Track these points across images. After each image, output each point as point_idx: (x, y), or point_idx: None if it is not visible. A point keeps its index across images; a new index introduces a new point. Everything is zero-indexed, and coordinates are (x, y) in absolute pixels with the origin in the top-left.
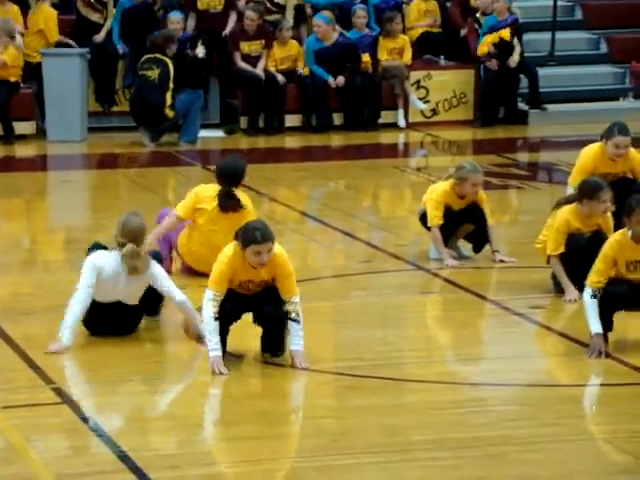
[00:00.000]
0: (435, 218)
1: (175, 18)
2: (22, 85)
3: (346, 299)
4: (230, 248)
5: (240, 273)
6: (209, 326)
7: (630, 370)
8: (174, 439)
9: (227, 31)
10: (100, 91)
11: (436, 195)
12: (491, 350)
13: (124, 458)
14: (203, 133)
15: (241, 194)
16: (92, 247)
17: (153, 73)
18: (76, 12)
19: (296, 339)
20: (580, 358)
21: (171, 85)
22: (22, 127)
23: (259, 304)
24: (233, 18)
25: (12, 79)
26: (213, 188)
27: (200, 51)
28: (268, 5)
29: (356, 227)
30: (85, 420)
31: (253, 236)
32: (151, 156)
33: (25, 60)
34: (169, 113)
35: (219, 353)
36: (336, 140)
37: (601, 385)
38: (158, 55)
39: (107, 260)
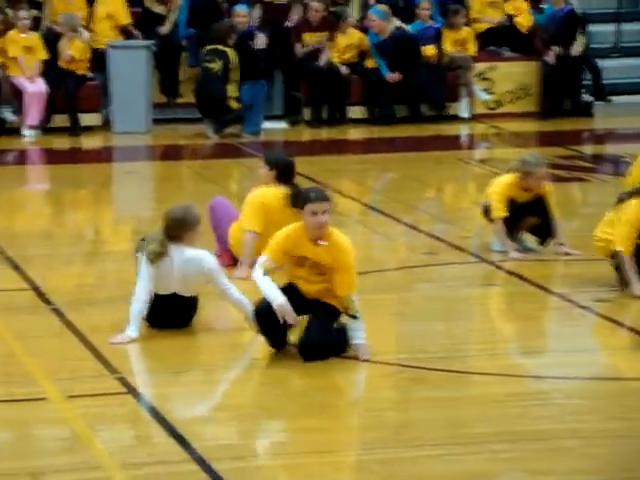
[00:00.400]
0: (499, 211)
1: (241, 11)
2: (89, 76)
3: (409, 291)
4: (294, 224)
5: (299, 247)
6: (262, 283)
7: None
8: (237, 429)
9: (290, 22)
10: (165, 83)
11: (500, 188)
12: (555, 343)
13: (188, 448)
14: (267, 125)
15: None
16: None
17: (216, 65)
18: (141, 4)
19: (358, 333)
20: None
21: (234, 77)
22: (88, 119)
23: (309, 322)
24: (297, 9)
25: (79, 72)
26: (272, 191)
27: (260, 42)
28: None
29: (419, 219)
30: (149, 410)
31: (307, 196)
32: (215, 148)
33: (94, 48)
34: (233, 104)
35: (282, 299)
36: (399, 132)
37: None
38: (220, 46)
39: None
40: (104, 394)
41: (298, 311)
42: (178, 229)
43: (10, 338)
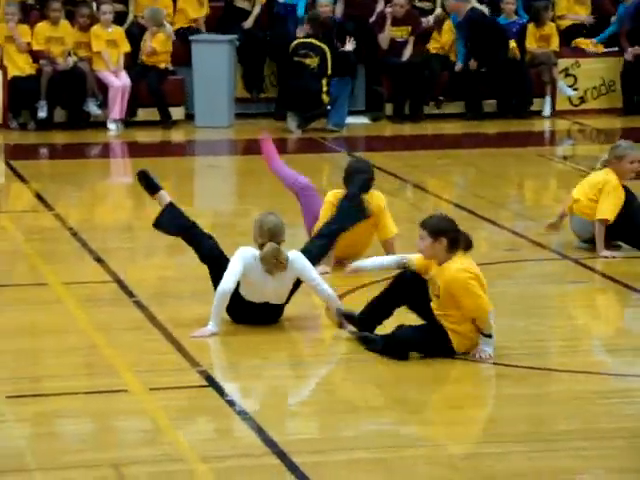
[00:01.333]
0: (611, 214)
1: (324, 2)
2: (170, 69)
3: (491, 287)
4: None
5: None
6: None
7: None
8: (317, 424)
9: (374, 17)
10: (248, 78)
11: (616, 190)
12: (637, 341)
13: (269, 442)
14: (349, 120)
15: (372, 196)
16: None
17: (312, 61)
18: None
19: (486, 347)
20: None
21: (329, 72)
22: (171, 112)
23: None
24: (381, 4)
25: (162, 65)
26: (342, 193)
27: (349, 46)
28: None
29: (501, 215)
30: (230, 403)
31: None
32: (297, 142)
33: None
34: (325, 99)
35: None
36: (484, 127)
37: None
38: (314, 41)
39: (252, 263)
40: (186, 387)
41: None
42: (270, 236)
43: (92, 330)
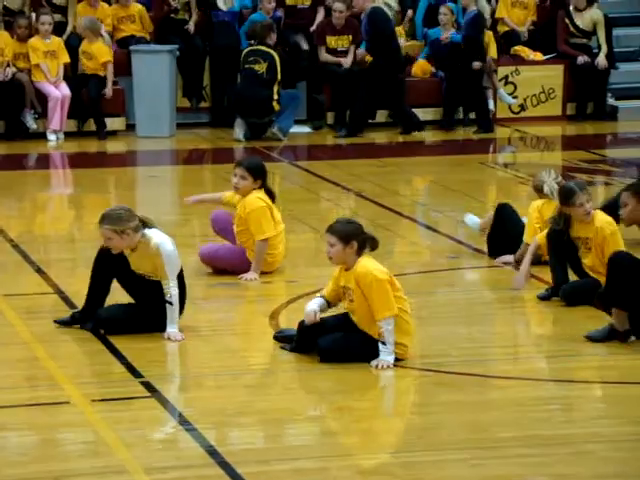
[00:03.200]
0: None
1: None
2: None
3: (433, 294)
4: None
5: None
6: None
7: None
8: (261, 433)
9: (314, 26)
10: (188, 87)
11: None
12: (577, 347)
13: (212, 452)
14: (291, 129)
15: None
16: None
17: (260, 67)
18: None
19: (384, 355)
20: None
21: (279, 77)
22: (112, 123)
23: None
24: (321, 13)
25: (101, 73)
26: (262, 196)
27: (303, 43)
28: None
29: (442, 222)
30: (173, 414)
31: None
32: (240, 152)
33: None
34: (276, 106)
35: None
36: (426, 136)
37: None
38: (263, 47)
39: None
40: (128, 398)
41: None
42: None
43: (34, 342)
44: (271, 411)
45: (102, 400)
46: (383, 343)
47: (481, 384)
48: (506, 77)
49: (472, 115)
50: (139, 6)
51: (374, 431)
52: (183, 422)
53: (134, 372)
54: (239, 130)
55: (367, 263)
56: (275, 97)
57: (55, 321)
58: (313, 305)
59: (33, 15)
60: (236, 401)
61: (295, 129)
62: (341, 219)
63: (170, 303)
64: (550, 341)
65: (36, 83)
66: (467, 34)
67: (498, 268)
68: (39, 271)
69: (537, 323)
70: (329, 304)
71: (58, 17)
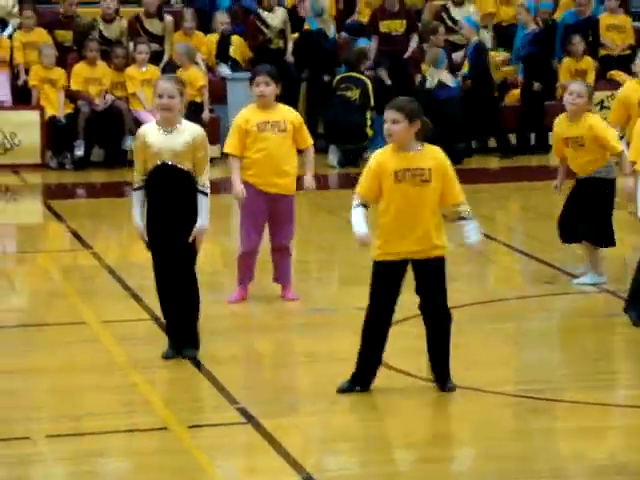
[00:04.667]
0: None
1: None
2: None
3: (530, 320)
4: None
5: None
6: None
7: None
8: (357, 460)
9: (408, 53)
10: None
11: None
12: None
13: (307, 479)
14: None
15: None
16: None
17: (353, 94)
18: None
19: (471, 234)
20: None
21: (372, 103)
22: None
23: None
24: (415, 40)
25: (197, 99)
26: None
27: (386, 78)
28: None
29: (535, 247)
30: (269, 440)
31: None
32: (335, 178)
33: None
34: (369, 132)
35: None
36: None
37: None
38: (355, 74)
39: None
40: (224, 424)
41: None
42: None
43: (130, 368)
44: (366, 438)
45: (197, 426)
46: (463, 218)
47: (574, 410)
48: (601, 102)
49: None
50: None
51: (472, 457)
52: (277, 448)
53: (229, 398)
54: (333, 157)
55: (436, 149)
56: (368, 123)
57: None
58: (363, 226)
59: (131, 44)
60: (330, 427)
61: None
62: (404, 98)
63: (205, 194)
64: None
65: (134, 111)
66: (472, 63)
67: (594, 294)
68: (135, 297)
69: (636, 349)
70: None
71: (155, 46)
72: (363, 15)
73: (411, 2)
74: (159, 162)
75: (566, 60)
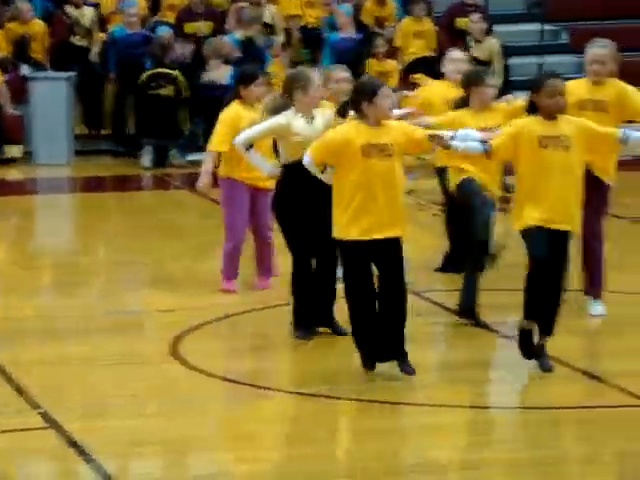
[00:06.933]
0: None
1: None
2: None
3: None
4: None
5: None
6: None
7: (612, 390)
8: (161, 463)
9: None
10: (88, 114)
11: None
12: (482, 373)
13: None
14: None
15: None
16: None
17: (166, 91)
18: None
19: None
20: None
21: (185, 95)
22: (10, 150)
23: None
24: None
25: None
26: None
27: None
28: None
29: None
30: (73, 445)
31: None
32: (142, 179)
33: None
34: (185, 128)
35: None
36: None
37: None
38: (164, 70)
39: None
40: (26, 429)
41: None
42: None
43: None
44: (171, 441)
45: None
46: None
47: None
48: None
49: None
50: (41, 24)
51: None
52: (82, 452)
53: (32, 403)
54: (146, 158)
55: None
56: (183, 119)
57: None
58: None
59: None
60: (138, 431)
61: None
62: None
63: None
64: (455, 367)
65: None
66: None
67: None
68: None
69: (440, 349)
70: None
71: None
72: (167, 16)
73: (217, 3)
74: None
75: (371, 62)
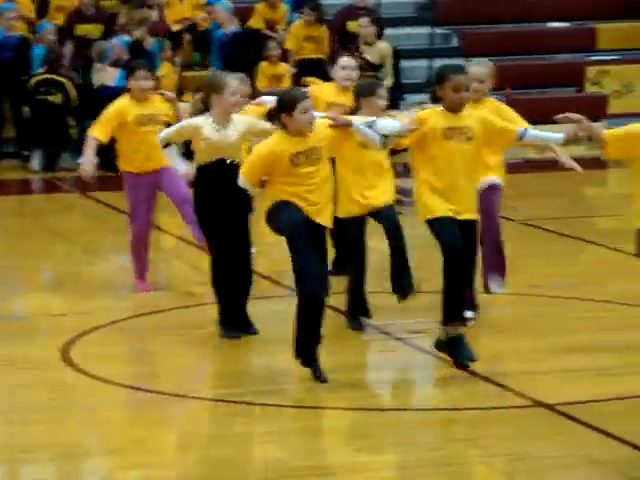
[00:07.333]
0: None
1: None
2: None
3: None
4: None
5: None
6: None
7: (502, 391)
8: (54, 469)
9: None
10: None
11: None
12: (370, 374)
13: None
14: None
15: None
16: None
17: (55, 98)
18: None
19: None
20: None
21: (75, 104)
22: None
23: None
24: None
25: None
26: None
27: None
28: None
29: None
30: None
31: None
32: (31, 183)
33: None
34: (72, 135)
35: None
36: None
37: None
38: (54, 76)
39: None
40: None
41: None
42: None
43: None
44: (64, 445)
45: None
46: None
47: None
48: None
49: None
50: None
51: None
52: None
53: None
54: (35, 161)
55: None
56: (71, 125)
57: None
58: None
59: None
60: (28, 436)
61: None
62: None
63: None
64: (344, 369)
65: None
66: None
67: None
68: None
69: (331, 352)
70: None
71: None
72: (56, 18)
73: (109, 5)
74: None
75: (263, 64)
